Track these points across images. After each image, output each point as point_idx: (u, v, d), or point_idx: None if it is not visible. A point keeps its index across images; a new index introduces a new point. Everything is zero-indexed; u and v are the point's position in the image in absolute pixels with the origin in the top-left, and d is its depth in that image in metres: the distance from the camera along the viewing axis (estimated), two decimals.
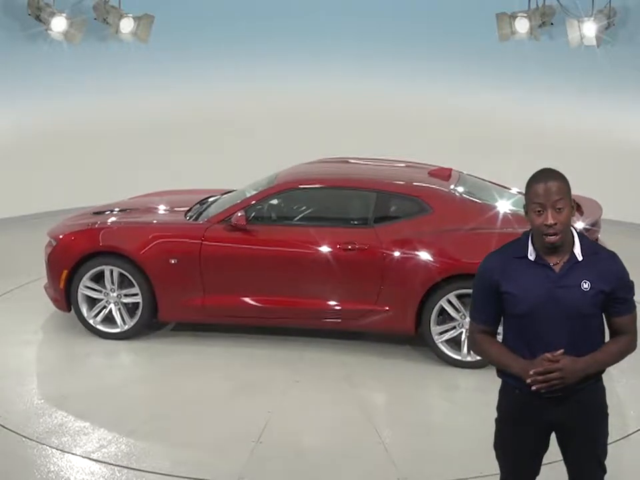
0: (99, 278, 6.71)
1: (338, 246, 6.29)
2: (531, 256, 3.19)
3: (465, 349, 6.18)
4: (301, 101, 11.35)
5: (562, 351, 3.07)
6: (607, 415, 3.35)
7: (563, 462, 3.41)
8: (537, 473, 3.42)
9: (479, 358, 6.02)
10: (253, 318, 6.59)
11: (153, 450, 5.05)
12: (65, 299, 6.72)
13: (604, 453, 3.37)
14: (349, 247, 6.27)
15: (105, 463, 4.83)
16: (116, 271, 6.60)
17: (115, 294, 6.68)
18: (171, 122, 11.32)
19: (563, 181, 3.13)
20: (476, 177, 7.33)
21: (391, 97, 11.33)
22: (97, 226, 6.88)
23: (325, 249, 6.32)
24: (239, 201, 6.70)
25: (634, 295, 3.27)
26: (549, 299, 3.13)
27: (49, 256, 6.83)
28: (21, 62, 10.21)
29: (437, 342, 6.25)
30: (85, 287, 6.67)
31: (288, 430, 5.32)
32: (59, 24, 9.81)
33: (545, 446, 3.37)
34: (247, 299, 6.47)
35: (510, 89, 10.98)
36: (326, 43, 11.18)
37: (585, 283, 3.14)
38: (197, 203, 7.33)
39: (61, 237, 6.86)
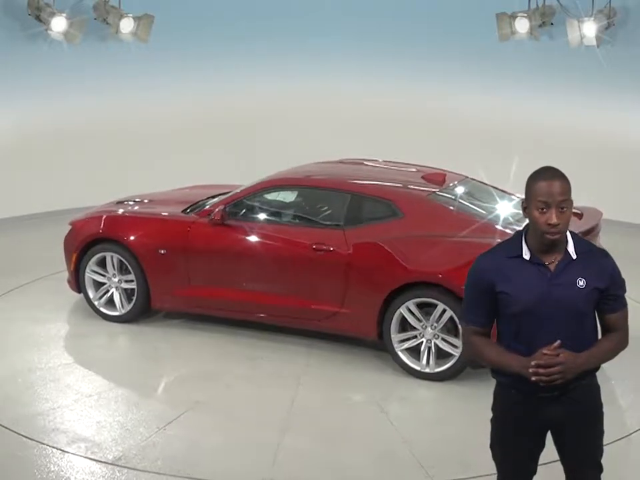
0: (104, 263, 7.07)
1: (309, 246, 6.30)
2: (526, 255, 3.19)
3: (424, 360, 5.97)
4: (301, 101, 11.36)
5: (559, 342, 3.06)
6: (602, 413, 3.35)
7: (560, 462, 3.41)
8: (534, 472, 3.42)
9: (437, 370, 5.94)
10: (228, 311, 6.77)
11: (52, 426, 5.26)
12: (76, 280, 7.12)
13: (600, 452, 3.37)
14: (318, 247, 6.27)
15: (105, 462, 4.83)
16: (115, 257, 6.97)
17: (116, 279, 7.04)
18: (170, 122, 11.33)
19: (566, 180, 3.14)
20: (479, 182, 7.17)
21: (391, 96, 11.34)
22: (104, 214, 7.24)
23: (295, 248, 6.37)
24: (223, 197, 6.91)
25: (625, 291, 3.29)
26: (545, 298, 3.14)
27: (64, 240, 7.29)
28: (21, 62, 10.20)
29: (396, 350, 6.07)
30: (91, 271, 7.07)
31: (196, 422, 5.41)
32: (58, 24, 9.81)
33: (541, 445, 3.37)
34: (223, 293, 6.65)
35: (510, 88, 10.98)
36: (326, 43, 11.19)
37: (581, 280, 3.15)
38: (209, 197, 7.43)
39: (74, 222, 7.34)
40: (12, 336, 6.86)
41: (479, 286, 3.26)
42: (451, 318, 5.81)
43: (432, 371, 5.97)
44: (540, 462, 3.42)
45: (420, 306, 5.97)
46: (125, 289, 7.01)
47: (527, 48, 10.60)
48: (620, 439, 5.09)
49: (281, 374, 6.16)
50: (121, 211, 7.35)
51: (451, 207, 6.34)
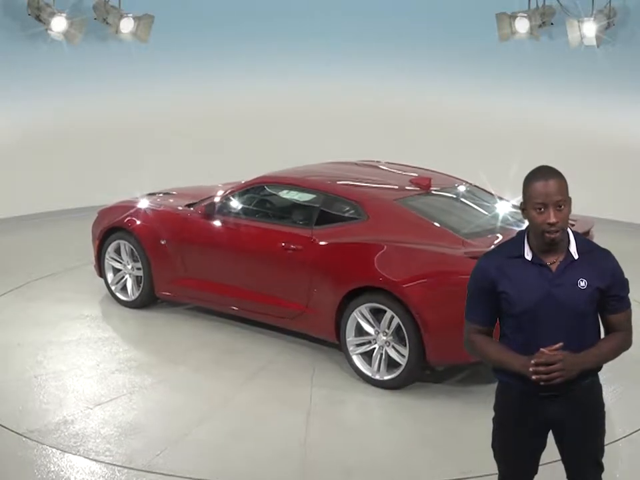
0: (120, 251, 7.46)
1: (278, 244, 6.35)
2: (528, 255, 3.19)
3: (376, 366, 5.84)
4: (301, 101, 11.36)
5: (561, 344, 3.06)
6: (603, 412, 3.35)
7: (561, 461, 3.41)
8: (535, 471, 3.42)
9: (385, 378, 5.82)
10: (210, 303, 7.01)
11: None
12: (99, 265, 7.59)
13: (601, 451, 3.37)
14: (287, 246, 6.30)
15: (104, 463, 4.83)
16: (127, 245, 7.35)
17: (129, 266, 7.41)
18: (171, 122, 11.34)
19: (562, 178, 3.13)
20: (474, 186, 6.97)
21: (391, 96, 11.34)
22: (123, 204, 7.63)
23: (266, 245, 6.46)
24: (216, 194, 7.13)
25: (629, 291, 3.28)
26: (546, 298, 3.13)
27: (92, 227, 7.75)
28: (21, 62, 10.21)
29: (351, 353, 5.98)
30: (109, 258, 7.49)
31: (125, 405, 5.53)
32: (59, 24, 9.82)
33: (543, 445, 3.37)
34: (207, 285, 6.88)
35: (510, 88, 10.98)
36: (326, 43, 11.20)
37: (582, 281, 3.14)
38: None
39: (100, 211, 7.81)
40: (19, 315, 7.22)
41: (480, 285, 3.26)
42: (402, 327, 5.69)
43: (381, 378, 5.85)
44: (541, 462, 3.42)
45: (378, 312, 5.87)
46: (137, 276, 7.36)
47: (527, 48, 10.61)
48: (620, 438, 5.10)
49: (243, 368, 6.17)
50: (138, 202, 7.57)
51: (418, 213, 6.12)
